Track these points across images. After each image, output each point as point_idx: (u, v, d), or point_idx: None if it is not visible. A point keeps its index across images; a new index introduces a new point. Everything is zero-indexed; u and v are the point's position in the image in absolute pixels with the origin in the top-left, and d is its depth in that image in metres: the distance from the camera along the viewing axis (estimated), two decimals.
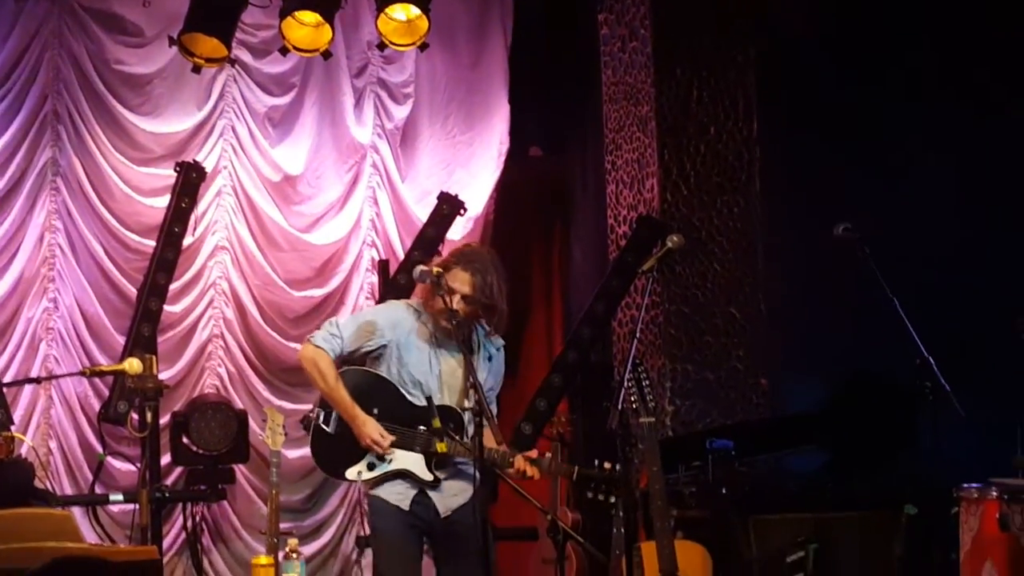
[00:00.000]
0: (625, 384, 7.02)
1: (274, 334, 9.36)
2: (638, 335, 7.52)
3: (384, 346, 6.52)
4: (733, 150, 9.49)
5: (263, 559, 6.77)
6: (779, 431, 8.82)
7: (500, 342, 6.65)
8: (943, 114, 9.27)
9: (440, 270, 6.45)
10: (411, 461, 6.46)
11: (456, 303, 6.40)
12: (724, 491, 7.88)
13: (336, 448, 6.56)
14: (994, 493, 6.49)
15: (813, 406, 8.54)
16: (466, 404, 6.49)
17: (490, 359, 6.59)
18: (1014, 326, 7.30)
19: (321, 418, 6.55)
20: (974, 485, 6.67)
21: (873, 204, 8.94)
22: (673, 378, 9.21)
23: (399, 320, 6.63)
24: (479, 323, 6.54)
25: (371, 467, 6.47)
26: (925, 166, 9.34)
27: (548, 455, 6.60)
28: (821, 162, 9.39)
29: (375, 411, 6.46)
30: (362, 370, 6.60)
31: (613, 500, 6.65)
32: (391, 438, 6.41)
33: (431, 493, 6.47)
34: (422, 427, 6.43)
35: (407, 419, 6.44)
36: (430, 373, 6.51)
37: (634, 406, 7.11)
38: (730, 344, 9.30)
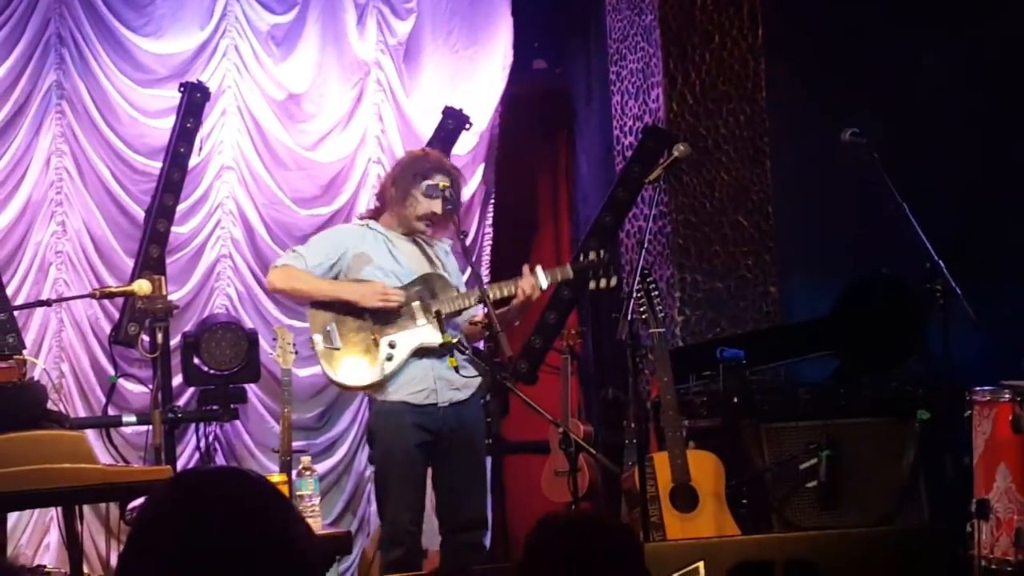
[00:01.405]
0: (634, 295, 7.05)
1: (282, 253, 9.34)
2: (646, 245, 7.54)
3: (345, 255, 6.64)
4: (739, 58, 9.43)
5: (277, 477, 6.83)
6: (789, 339, 8.83)
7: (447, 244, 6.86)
8: (949, 10, 9.24)
9: (444, 183, 6.62)
10: (422, 333, 6.55)
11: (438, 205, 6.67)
12: (735, 400, 7.90)
13: (350, 359, 6.61)
14: (1007, 395, 6.49)
15: (823, 313, 8.53)
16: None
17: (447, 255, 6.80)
18: None
19: (321, 341, 6.61)
20: (986, 388, 6.67)
21: (880, 108, 8.91)
22: (682, 288, 9.21)
23: (355, 232, 6.80)
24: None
25: (390, 358, 6.54)
26: (932, 66, 9.30)
27: (538, 267, 6.68)
28: (827, 68, 9.36)
29: (365, 315, 6.55)
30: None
31: (615, 282, 6.88)
32: (398, 291, 6.53)
33: (438, 384, 6.55)
34: (415, 300, 6.56)
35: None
36: (398, 265, 6.63)
37: (643, 317, 7.14)
38: (739, 253, 9.28)
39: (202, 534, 1.94)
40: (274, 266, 6.88)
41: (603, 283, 6.79)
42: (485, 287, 6.56)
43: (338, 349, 6.60)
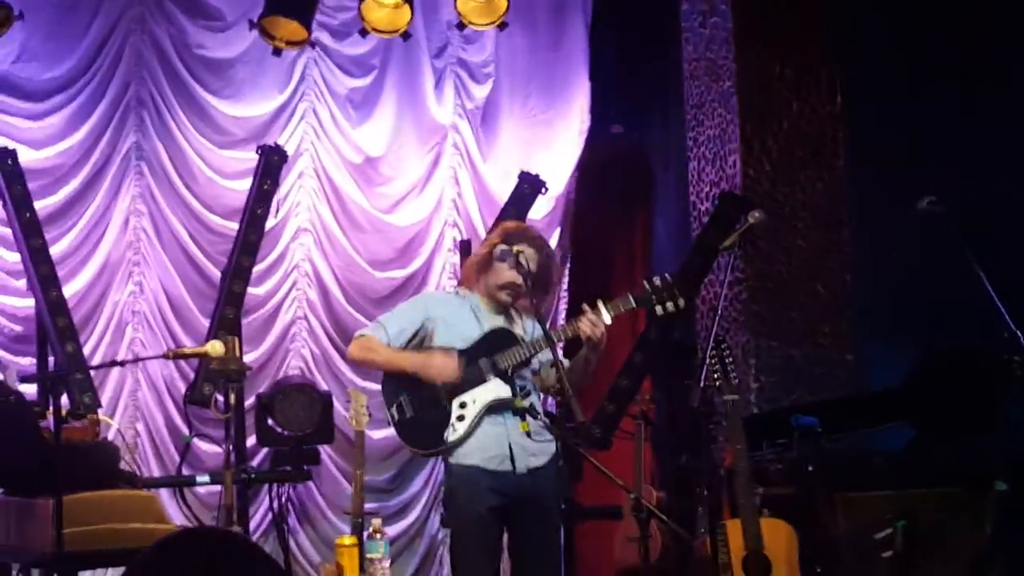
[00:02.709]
0: (708, 361, 7.00)
1: (357, 315, 9.38)
2: (720, 312, 7.50)
3: (428, 321, 6.61)
4: (816, 125, 9.41)
5: (348, 539, 6.80)
6: (864, 407, 8.75)
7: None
8: None
9: (519, 248, 6.54)
10: (492, 388, 6.51)
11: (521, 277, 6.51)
12: (810, 468, 7.83)
13: (423, 426, 6.60)
14: None
15: (899, 382, 8.46)
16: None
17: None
18: None
19: (396, 411, 6.60)
20: None
21: (960, 177, 8.85)
22: (757, 355, 9.16)
23: (440, 299, 6.79)
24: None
25: (461, 418, 6.51)
26: (1010, 137, 9.24)
27: (599, 301, 6.56)
28: (906, 136, 9.31)
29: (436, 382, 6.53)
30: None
31: (682, 305, 6.63)
32: (454, 353, 6.48)
33: (514, 449, 6.49)
34: (482, 358, 6.51)
35: (465, 360, 6.51)
36: (480, 329, 6.59)
37: (717, 383, 7.09)
38: (814, 320, 9.24)
39: None
40: (357, 335, 6.86)
41: (670, 306, 6.59)
42: (549, 331, 6.45)
43: (412, 417, 6.59)
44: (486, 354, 6.55)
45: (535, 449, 6.55)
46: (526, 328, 6.68)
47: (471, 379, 6.52)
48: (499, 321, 6.67)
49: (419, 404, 6.57)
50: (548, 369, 6.57)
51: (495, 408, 6.52)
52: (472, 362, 6.54)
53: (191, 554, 2.21)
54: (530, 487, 6.54)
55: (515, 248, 6.56)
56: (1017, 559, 7.51)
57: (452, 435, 6.50)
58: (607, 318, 6.52)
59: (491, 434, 6.52)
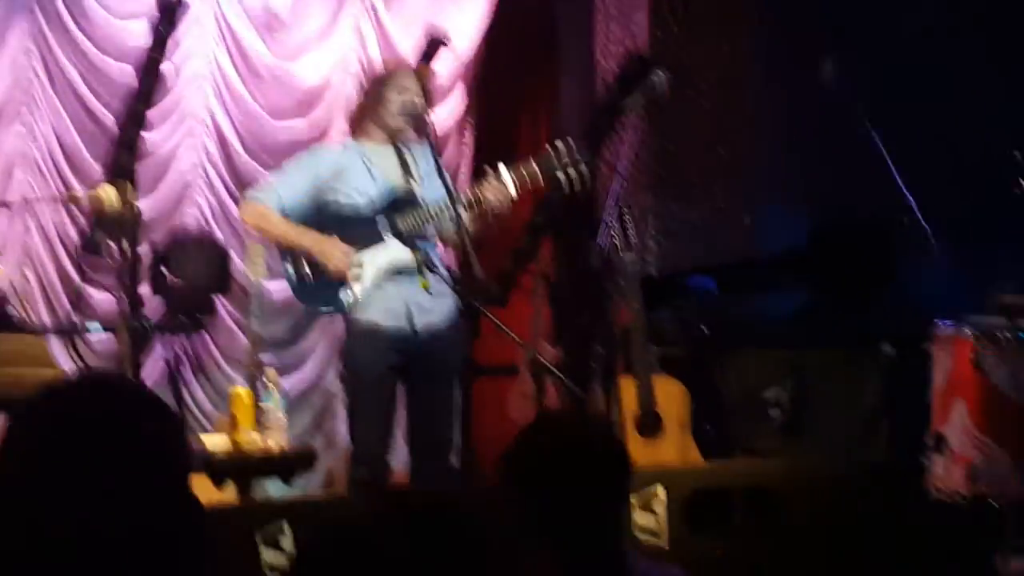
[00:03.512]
0: (608, 220, 7.02)
1: (256, 165, 9.27)
2: (622, 173, 7.50)
3: (319, 180, 6.60)
4: None
5: (242, 391, 6.80)
6: (761, 270, 8.84)
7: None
8: None
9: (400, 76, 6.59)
10: (389, 249, 6.51)
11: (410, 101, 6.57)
12: (704, 329, 7.91)
13: (319, 284, 6.58)
14: (968, 331, 6.50)
15: (795, 246, 8.54)
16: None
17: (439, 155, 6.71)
18: (1016, 185, 7.24)
19: (291, 267, 6.57)
20: (948, 323, 6.68)
21: (863, 42, 8.85)
22: (657, 216, 9.18)
23: (329, 155, 6.76)
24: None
25: (357, 278, 6.50)
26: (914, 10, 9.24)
27: (501, 166, 6.55)
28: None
29: (329, 232, 6.51)
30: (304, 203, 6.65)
31: (586, 172, 6.60)
32: (351, 250, 6.46)
33: (412, 308, 6.50)
34: (379, 216, 6.50)
35: (362, 219, 6.49)
36: (373, 183, 6.57)
37: (617, 244, 7.12)
38: (714, 183, 9.25)
39: (66, 438, 1.90)
40: (248, 198, 6.81)
41: (572, 172, 6.56)
42: (455, 198, 6.43)
43: (308, 274, 6.56)
44: (384, 213, 6.53)
45: (432, 307, 6.56)
46: (420, 166, 6.66)
47: (368, 239, 6.50)
48: (394, 168, 6.64)
49: (315, 264, 6.55)
50: (447, 223, 6.55)
51: (392, 268, 6.51)
52: (370, 222, 6.51)
53: (82, 400, 2.16)
54: (427, 345, 6.56)
55: (406, 81, 6.60)
56: (900, 419, 7.65)
57: (348, 296, 6.50)
58: (511, 188, 6.48)
59: (389, 293, 6.52)
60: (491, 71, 10.15)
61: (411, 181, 6.64)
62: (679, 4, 9.29)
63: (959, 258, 7.63)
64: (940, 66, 8.74)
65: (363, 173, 6.62)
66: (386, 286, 6.52)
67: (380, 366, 6.51)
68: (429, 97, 6.76)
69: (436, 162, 6.52)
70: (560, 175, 6.52)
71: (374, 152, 6.67)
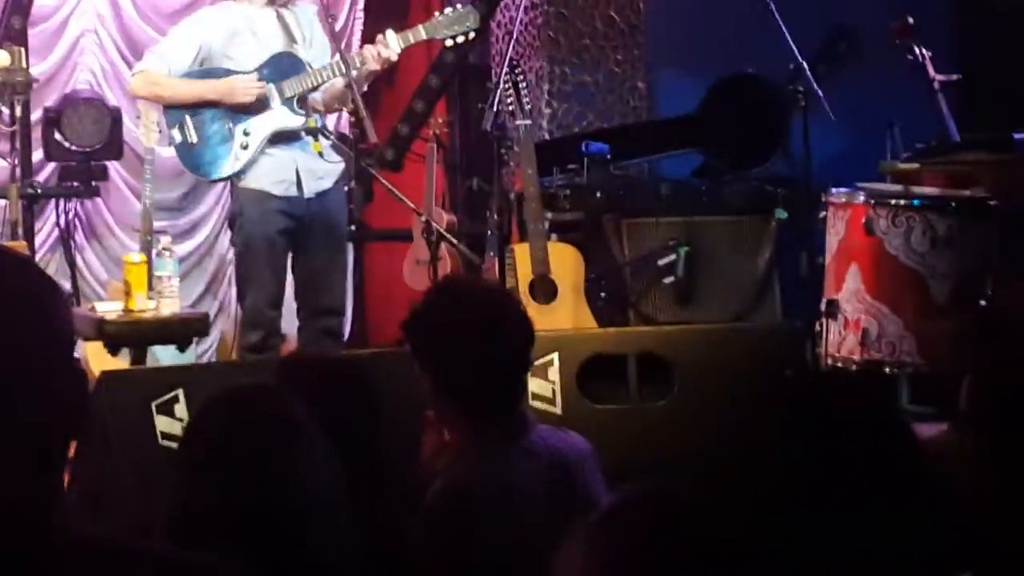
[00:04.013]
0: (502, 85, 7.03)
1: (148, 29, 9.15)
2: (516, 36, 7.50)
3: (205, 46, 6.54)
4: None
5: (135, 257, 6.77)
6: (654, 134, 8.88)
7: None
8: None
9: None
10: (277, 116, 6.48)
11: None
12: (598, 194, 7.95)
13: (206, 150, 6.55)
14: (861, 197, 6.59)
15: (689, 110, 8.58)
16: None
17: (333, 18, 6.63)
18: (892, 32, 7.32)
19: (178, 132, 6.53)
20: (842, 189, 6.76)
21: None
22: (551, 80, 9.18)
23: (215, 18, 6.69)
24: None
25: (245, 147, 6.48)
26: None
27: (388, 30, 6.54)
28: None
29: (219, 106, 6.47)
30: (187, 74, 6.59)
31: (472, 37, 6.68)
32: (258, 84, 6.44)
33: (301, 173, 6.49)
34: (266, 83, 6.47)
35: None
36: (259, 46, 6.53)
37: (511, 108, 7.13)
38: (608, 47, 9.26)
39: None
40: (135, 72, 6.77)
41: (460, 39, 6.59)
42: (338, 60, 6.41)
43: (195, 143, 6.53)
44: (271, 79, 6.50)
45: (322, 172, 6.57)
46: (305, 30, 6.61)
47: (255, 106, 6.48)
48: (277, 33, 6.58)
49: (202, 128, 6.51)
50: (338, 88, 6.53)
51: (281, 134, 6.49)
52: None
53: None
54: (317, 209, 6.57)
55: None
56: (793, 285, 7.77)
57: (235, 163, 6.49)
58: (396, 48, 6.47)
59: (278, 159, 6.51)
60: None
61: (294, 46, 6.61)
62: None
63: (852, 124, 7.74)
64: None
65: (248, 39, 6.58)
66: (274, 151, 6.51)
67: (270, 230, 6.51)
68: None
69: (324, 26, 6.48)
70: (448, 40, 6.55)
71: (258, 16, 6.62)
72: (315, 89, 6.54)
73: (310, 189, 6.53)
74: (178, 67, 6.55)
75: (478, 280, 5.83)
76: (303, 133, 6.50)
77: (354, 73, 6.32)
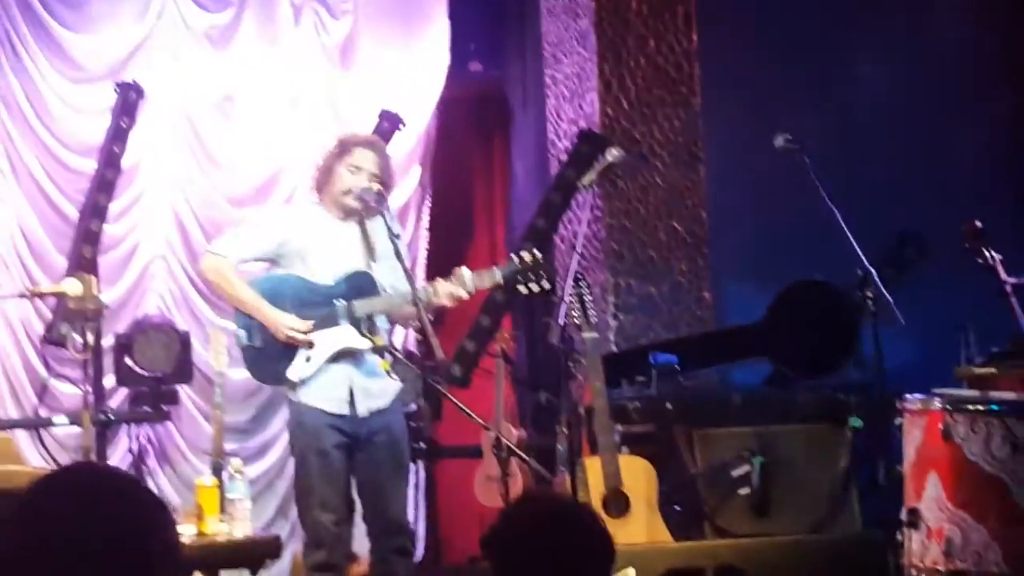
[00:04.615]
0: (567, 299, 7.05)
1: None
2: (580, 250, 7.54)
3: (282, 246, 6.58)
4: (673, 63, 9.45)
5: (207, 480, 6.78)
6: (722, 344, 8.86)
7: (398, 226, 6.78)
8: (885, 15, 9.31)
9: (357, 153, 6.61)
10: (343, 334, 6.47)
11: (363, 180, 6.55)
12: (668, 406, 7.92)
13: (270, 358, 6.55)
14: (937, 403, 6.49)
15: (757, 319, 8.57)
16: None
17: (398, 237, 6.63)
18: (961, 235, 7.31)
19: (244, 337, 6.55)
20: (917, 396, 6.68)
21: (816, 113, 8.96)
22: (616, 293, 9.23)
23: (293, 219, 6.73)
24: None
25: (308, 360, 6.48)
26: (868, 71, 9.37)
27: (464, 269, 6.56)
28: (762, 73, 9.39)
29: (286, 307, 6.48)
30: (264, 276, 6.65)
31: (548, 287, 6.65)
32: (308, 323, 6.43)
33: (355, 392, 6.48)
34: (338, 300, 6.48)
35: (320, 300, 6.48)
36: (337, 256, 6.57)
37: (576, 321, 7.14)
38: (672, 258, 9.31)
39: (49, 530, 1.91)
40: (210, 251, 6.81)
41: (535, 287, 6.63)
42: (414, 287, 6.43)
43: (259, 346, 6.54)
44: (344, 296, 6.51)
45: (377, 391, 6.54)
46: (379, 246, 6.62)
47: (324, 321, 6.48)
48: (355, 248, 6.61)
49: (268, 335, 6.52)
50: (404, 303, 6.53)
51: (341, 352, 6.49)
52: (327, 302, 6.50)
53: (73, 490, 2.15)
54: (376, 428, 6.52)
55: (351, 153, 6.61)
56: (871, 494, 7.66)
57: (294, 375, 6.47)
58: (471, 289, 6.51)
59: (332, 376, 6.49)
60: (445, 151, 10.20)
61: (371, 264, 6.64)
62: (629, 81, 9.36)
63: (925, 330, 7.70)
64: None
65: (326, 250, 6.60)
66: (329, 368, 6.49)
67: (324, 444, 6.46)
68: (386, 176, 6.72)
69: (394, 244, 6.51)
70: (521, 288, 6.57)
71: (337, 228, 6.66)
72: (383, 311, 6.57)
73: (364, 408, 6.49)
74: (248, 258, 6.63)
75: (557, 495, 5.78)
76: (360, 351, 6.49)
77: (421, 300, 6.32)
